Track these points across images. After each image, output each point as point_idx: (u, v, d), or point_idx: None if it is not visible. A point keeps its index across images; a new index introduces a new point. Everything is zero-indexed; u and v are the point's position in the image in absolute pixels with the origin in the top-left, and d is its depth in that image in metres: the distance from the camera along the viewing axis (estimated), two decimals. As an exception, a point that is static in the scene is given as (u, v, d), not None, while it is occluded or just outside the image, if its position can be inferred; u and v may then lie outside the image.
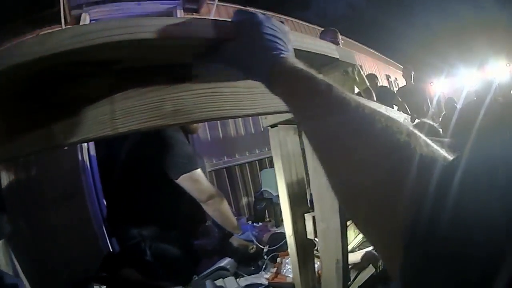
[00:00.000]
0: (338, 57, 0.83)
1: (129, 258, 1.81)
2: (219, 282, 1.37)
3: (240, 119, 3.51)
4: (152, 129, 0.62)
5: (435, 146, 0.36)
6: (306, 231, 1.13)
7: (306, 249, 1.16)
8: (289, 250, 1.17)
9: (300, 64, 0.54)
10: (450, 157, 0.34)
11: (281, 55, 0.56)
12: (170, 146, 1.69)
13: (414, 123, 1.88)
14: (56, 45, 0.46)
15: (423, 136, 0.37)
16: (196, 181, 1.71)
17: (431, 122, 1.93)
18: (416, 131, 0.38)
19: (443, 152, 0.35)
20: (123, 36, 0.49)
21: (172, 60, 0.63)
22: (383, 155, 0.37)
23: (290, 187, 1.10)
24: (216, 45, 0.59)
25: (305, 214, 1.13)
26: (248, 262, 1.78)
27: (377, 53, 8.24)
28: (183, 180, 1.69)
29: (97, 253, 2.51)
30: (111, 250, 2.69)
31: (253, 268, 1.73)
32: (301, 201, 1.14)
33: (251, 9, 0.61)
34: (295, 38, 0.69)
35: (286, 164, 1.09)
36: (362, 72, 3.44)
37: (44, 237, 2.54)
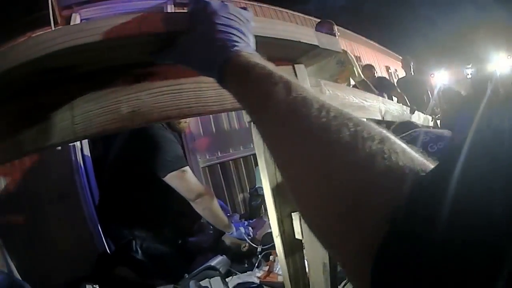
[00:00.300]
0: (317, 44, 0.77)
1: (121, 257, 1.79)
2: (205, 282, 1.32)
3: (233, 112, 3.46)
4: (111, 132, 0.60)
5: (413, 152, 0.31)
6: (294, 231, 1.08)
7: (294, 250, 1.10)
8: (276, 251, 1.12)
9: (256, 58, 0.48)
10: (430, 164, 0.30)
11: (235, 48, 0.50)
12: (158, 144, 1.68)
13: (398, 123, 1.83)
14: (16, 57, 0.49)
15: (399, 141, 0.33)
16: (184, 179, 1.69)
17: (414, 121, 1.89)
18: (390, 136, 0.33)
19: (423, 159, 0.31)
20: (70, 42, 0.49)
21: (128, 59, 0.61)
22: (352, 165, 0.31)
23: (274, 185, 1.04)
24: (170, 40, 0.55)
25: (293, 213, 1.07)
26: (242, 259, 1.76)
27: (377, 45, 8.16)
28: (170, 179, 1.67)
29: (93, 252, 2.49)
30: (107, 249, 2.69)
31: (246, 266, 1.72)
32: (287, 200, 1.08)
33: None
34: (263, 25, 0.65)
35: (270, 161, 1.04)
36: (356, 64, 3.37)
37: (40, 237, 2.53)
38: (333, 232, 0.33)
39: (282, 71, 0.44)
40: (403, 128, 1.65)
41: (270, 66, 0.45)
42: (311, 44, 0.77)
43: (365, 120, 0.35)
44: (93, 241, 2.71)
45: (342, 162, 0.32)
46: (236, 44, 0.50)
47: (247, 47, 0.51)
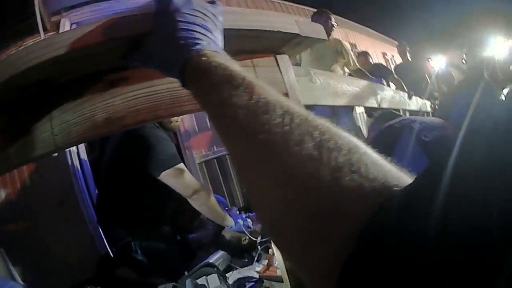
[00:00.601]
0: (298, 32, 0.75)
1: (122, 259, 1.82)
2: (203, 280, 1.32)
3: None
4: (90, 140, 0.61)
5: (386, 164, 0.29)
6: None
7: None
8: (272, 245, 1.11)
9: (220, 57, 0.45)
10: (406, 176, 0.28)
11: (197, 47, 0.46)
12: (149, 144, 1.67)
13: (380, 113, 1.80)
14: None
15: (370, 151, 0.30)
16: (179, 176, 1.69)
17: (395, 111, 1.88)
18: (361, 145, 0.30)
19: (398, 170, 0.28)
20: (41, 57, 0.50)
21: (101, 66, 0.61)
22: (314, 179, 0.29)
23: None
24: (138, 42, 0.53)
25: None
26: (242, 254, 1.77)
27: (373, 31, 8.11)
28: (165, 177, 1.67)
29: (95, 255, 2.53)
30: (109, 251, 2.71)
31: (246, 260, 1.73)
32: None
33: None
34: (236, 17, 0.64)
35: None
36: (351, 53, 3.35)
37: (42, 243, 2.56)
38: (294, 249, 0.31)
39: (247, 72, 0.41)
40: (386, 118, 1.62)
41: (234, 66, 0.42)
42: (291, 33, 0.74)
43: (334, 127, 0.33)
44: (94, 244, 2.74)
45: (303, 176, 0.29)
46: (199, 42, 0.47)
47: (210, 45, 0.48)
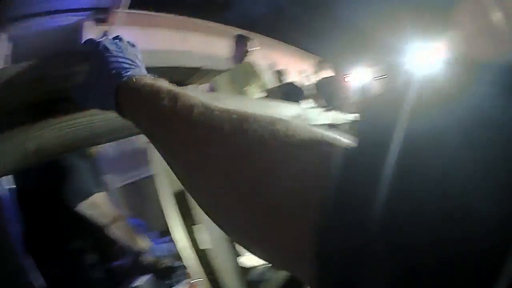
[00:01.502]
0: (199, 66, 0.83)
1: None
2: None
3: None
4: (22, 169, 0.63)
5: (318, 129, 0.29)
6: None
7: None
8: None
9: (148, 79, 0.48)
10: (342, 138, 0.28)
11: (127, 73, 0.51)
12: (66, 174, 1.65)
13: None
14: None
15: (295, 121, 0.30)
16: (95, 206, 1.67)
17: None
18: (283, 118, 0.31)
19: (332, 134, 0.28)
20: None
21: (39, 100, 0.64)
22: (242, 158, 0.30)
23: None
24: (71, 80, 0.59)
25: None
26: (164, 277, 1.80)
27: (294, 47, 8.33)
28: (82, 207, 1.65)
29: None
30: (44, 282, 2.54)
31: (172, 280, 1.77)
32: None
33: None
34: (147, 55, 0.68)
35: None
36: (262, 76, 3.53)
37: None
38: (255, 239, 0.31)
39: (173, 86, 0.45)
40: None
41: (161, 83, 0.46)
42: (193, 67, 0.82)
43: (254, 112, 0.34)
44: (27, 276, 2.52)
45: (229, 157, 0.31)
46: (129, 70, 0.52)
47: (141, 71, 0.54)
